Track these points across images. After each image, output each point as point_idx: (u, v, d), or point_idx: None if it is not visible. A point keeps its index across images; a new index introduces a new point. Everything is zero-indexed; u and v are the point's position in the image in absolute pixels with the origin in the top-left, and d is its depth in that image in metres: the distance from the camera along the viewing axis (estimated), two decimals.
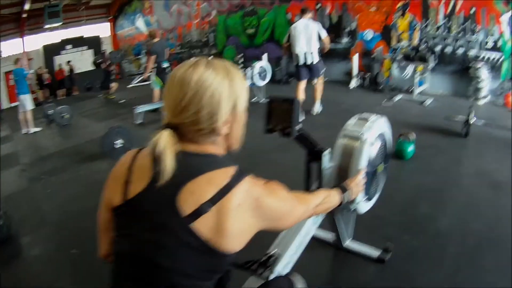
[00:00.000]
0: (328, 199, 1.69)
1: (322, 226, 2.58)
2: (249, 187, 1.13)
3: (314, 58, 7.05)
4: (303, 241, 2.11)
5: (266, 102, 1.93)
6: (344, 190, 1.84)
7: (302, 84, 7.32)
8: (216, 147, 1.24)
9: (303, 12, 7.17)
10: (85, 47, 21.56)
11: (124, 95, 12.79)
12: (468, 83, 8.84)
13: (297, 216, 1.42)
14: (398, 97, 8.82)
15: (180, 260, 1.09)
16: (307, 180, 2.16)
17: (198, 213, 1.06)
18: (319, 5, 11.65)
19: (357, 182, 1.96)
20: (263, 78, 8.56)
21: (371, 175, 2.17)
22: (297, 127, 1.83)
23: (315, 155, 2.05)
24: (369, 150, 2.09)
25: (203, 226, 1.07)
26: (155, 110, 8.42)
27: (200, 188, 1.09)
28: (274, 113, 1.88)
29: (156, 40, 9.32)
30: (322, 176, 2.08)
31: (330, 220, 2.68)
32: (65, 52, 20.92)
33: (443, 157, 5.21)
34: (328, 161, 2.11)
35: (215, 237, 1.08)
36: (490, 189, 4.27)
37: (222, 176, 1.11)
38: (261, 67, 8.51)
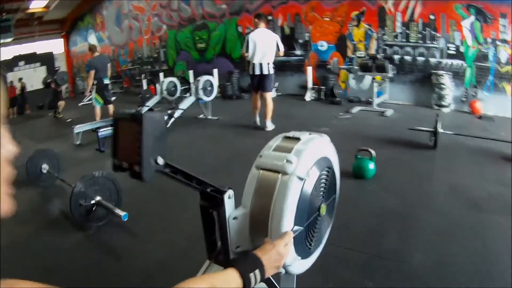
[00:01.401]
0: None
1: None
2: None
3: (269, 69, 6.71)
4: None
5: (112, 122, 1.14)
6: (249, 268, 1.08)
7: (257, 94, 6.99)
8: None
9: (259, 18, 6.75)
10: (38, 64, 20.63)
11: (73, 114, 12.11)
12: (430, 92, 8.55)
13: None
14: (357, 108, 8.30)
15: None
16: (208, 237, 1.36)
17: None
18: (270, 16, 11.12)
19: (278, 253, 1.20)
20: (209, 94, 7.88)
21: (309, 224, 1.39)
22: (159, 161, 1.02)
23: (211, 199, 1.27)
24: (300, 186, 1.29)
25: None
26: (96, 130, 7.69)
27: None
28: (121, 139, 1.08)
29: (96, 54, 8.71)
30: (227, 231, 1.28)
31: None
32: (18, 68, 19.93)
33: (410, 173, 4.56)
34: (232, 207, 1.31)
35: None
36: (469, 209, 3.61)
37: None
38: (205, 81, 7.81)
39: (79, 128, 7.45)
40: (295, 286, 2.02)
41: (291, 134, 1.45)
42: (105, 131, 6.50)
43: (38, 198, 4.77)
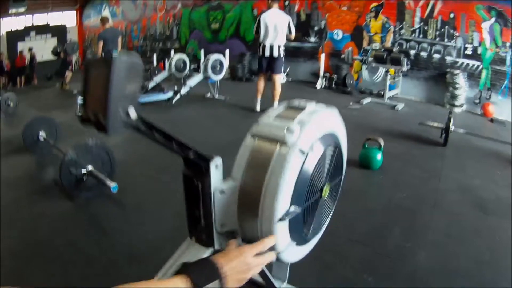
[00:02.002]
0: None
1: None
2: None
3: (280, 51, 6.50)
4: None
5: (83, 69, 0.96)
6: (205, 279, 0.87)
7: (263, 77, 6.79)
8: None
9: None
10: (49, 35, 20.53)
11: (80, 86, 11.92)
12: (443, 90, 8.36)
13: None
14: (368, 100, 8.11)
15: None
16: (190, 212, 1.18)
17: None
18: (287, 2, 10.94)
19: (245, 263, 0.98)
20: (218, 73, 7.70)
21: (308, 206, 1.21)
22: (131, 114, 0.84)
23: (195, 167, 1.09)
24: (301, 161, 1.11)
25: None
26: None
27: None
28: (91, 88, 0.91)
29: (107, 26, 8.62)
30: (212, 206, 1.10)
31: None
32: (28, 39, 19.85)
33: (418, 168, 4.38)
34: (220, 179, 1.13)
35: None
36: (477, 210, 3.46)
37: None
38: (215, 60, 7.62)
39: (81, 99, 7.30)
40: (287, 276, 1.86)
41: (296, 102, 1.27)
42: None
43: (32, 165, 4.64)
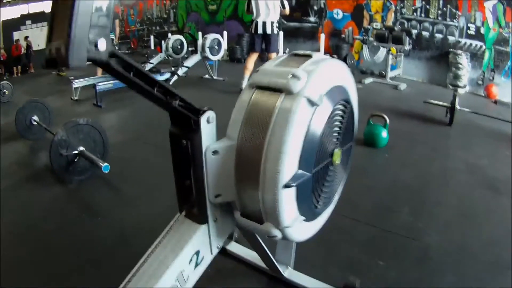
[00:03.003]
0: None
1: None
2: None
3: (274, 28, 6.30)
4: None
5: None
6: None
7: (255, 55, 6.54)
8: None
9: None
10: (45, 23, 20.33)
11: (77, 72, 11.71)
12: (445, 71, 8.19)
13: None
14: (369, 80, 7.93)
15: None
16: (180, 180, 0.99)
17: None
18: None
19: None
20: (216, 53, 7.53)
21: (318, 171, 1.02)
22: (100, 46, 0.66)
23: (183, 122, 0.90)
24: (309, 115, 0.91)
25: None
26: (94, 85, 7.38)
27: None
28: (55, 22, 0.73)
29: None
30: (204, 170, 0.91)
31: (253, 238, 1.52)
32: (25, 28, 19.66)
33: (424, 147, 4.23)
34: (212, 137, 0.94)
35: None
36: (486, 190, 3.27)
37: None
38: (213, 39, 7.44)
39: (78, 83, 7.14)
40: (293, 257, 1.70)
41: (300, 51, 1.09)
42: (104, 86, 6.18)
43: (25, 150, 4.47)
